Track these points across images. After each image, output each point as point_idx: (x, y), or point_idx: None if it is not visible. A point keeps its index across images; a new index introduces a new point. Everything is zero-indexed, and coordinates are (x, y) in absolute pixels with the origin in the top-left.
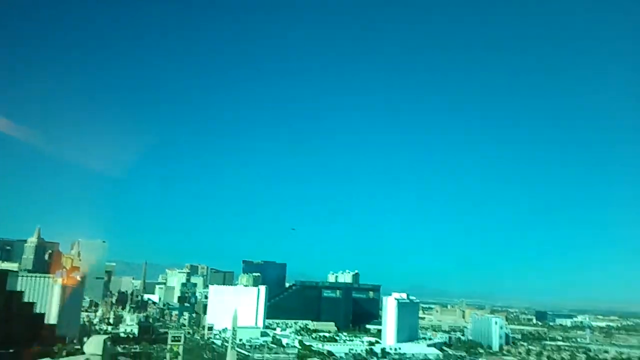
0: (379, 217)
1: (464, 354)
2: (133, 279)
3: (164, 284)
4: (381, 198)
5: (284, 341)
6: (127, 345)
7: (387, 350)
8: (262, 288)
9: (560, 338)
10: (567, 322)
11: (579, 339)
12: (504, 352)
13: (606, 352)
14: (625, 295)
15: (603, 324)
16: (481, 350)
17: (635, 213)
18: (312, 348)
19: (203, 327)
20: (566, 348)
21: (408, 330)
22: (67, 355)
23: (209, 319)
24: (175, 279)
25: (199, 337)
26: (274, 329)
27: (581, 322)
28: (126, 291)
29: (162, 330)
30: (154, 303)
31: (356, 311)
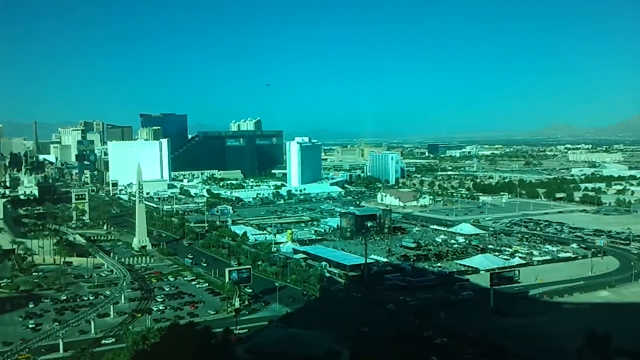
0: (279, 62)
1: (363, 189)
2: (24, 139)
3: (59, 143)
4: (281, 41)
5: (192, 191)
6: (29, 207)
7: (293, 191)
8: (164, 141)
9: (450, 168)
10: (457, 153)
11: (467, 168)
12: (400, 184)
13: (491, 177)
14: (509, 125)
15: (488, 153)
16: (379, 185)
17: (523, 46)
18: (221, 196)
19: (107, 184)
20: (455, 177)
21: (311, 172)
22: None
23: (112, 175)
24: (70, 137)
25: (104, 194)
26: (181, 181)
27: (469, 153)
28: (19, 153)
29: (64, 190)
30: (51, 163)
31: (261, 157)
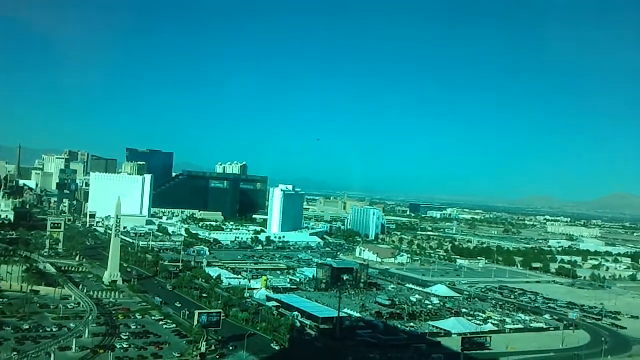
0: (269, 111)
1: (343, 241)
2: (7, 163)
3: (41, 169)
4: (270, 92)
5: (170, 229)
6: (2, 232)
7: (272, 238)
8: (148, 177)
9: (430, 228)
10: (437, 214)
11: (446, 230)
12: (379, 240)
13: (469, 241)
14: (490, 192)
15: (469, 217)
16: (359, 239)
17: (499, 113)
18: (199, 236)
19: (85, 215)
20: (434, 237)
21: (292, 220)
22: None
23: (90, 206)
24: (53, 164)
25: (80, 225)
26: (160, 218)
27: (449, 215)
28: None
29: (40, 217)
30: (30, 189)
31: (243, 201)
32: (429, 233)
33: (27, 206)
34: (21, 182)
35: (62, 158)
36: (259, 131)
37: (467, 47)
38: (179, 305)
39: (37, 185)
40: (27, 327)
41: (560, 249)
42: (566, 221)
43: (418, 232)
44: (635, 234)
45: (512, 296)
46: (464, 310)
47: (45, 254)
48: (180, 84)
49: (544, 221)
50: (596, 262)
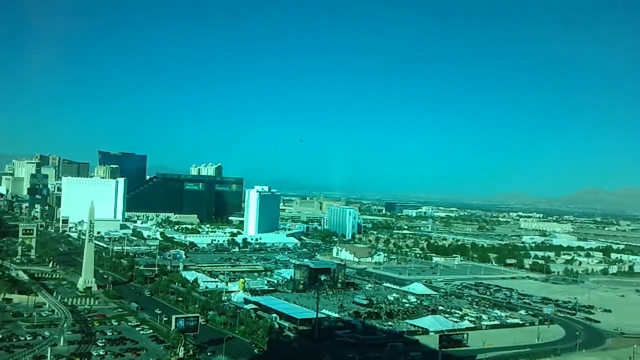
0: (244, 111)
1: (320, 242)
2: None
3: (11, 174)
4: (244, 90)
5: (145, 233)
6: None
7: (249, 240)
8: (121, 180)
9: (406, 227)
10: (413, 213)
11: (422, 228)
12: (356, 239)
13: (444, 239)
14: (464, 190)
15: (443, 214)
16: (335, 239)
17: (471, 113)
18: (175, 240)
19: (57, 220)
20: (410, 236)
21: (269, 221)
22: None
23: (63, 211)
24: (24, 169)
25: (53, 230)
26: (135, 222)
27: (425, 213)
28: None
29: (11, 223)
30: (1, 195)
31: (219, 203)
32: (405, 232)
33: None
34: None
35: (33, 163)
36: (234, 132)
37: (444, 45)
38: (157, 311)
39: (7, 191)
40: (0, 336)
41: (533, 244)
42: (539, 217)
43: (394, 231)
44: (606, 229)
45: (488, 293)
46: (440, 308)
47: (17, 261)
48: (154, 86)
49: (517, 218)
50: (569, 257)
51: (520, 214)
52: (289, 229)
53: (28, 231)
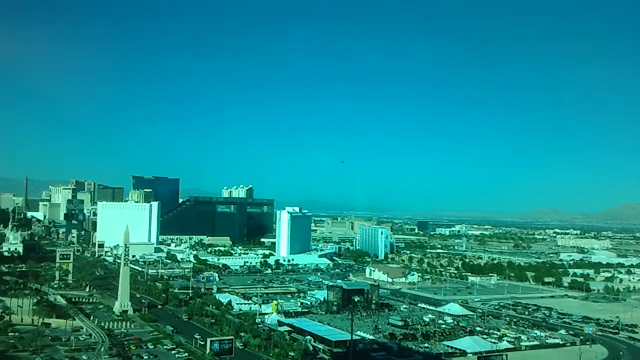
0: (273, 133)
1: (352, 262)
2: (14, 195)
3: (48, 200)
4: (274, 112)
5: (179, 256)
6: (12, 265)
7: (281, 261)
8: (155, 204)
9: (439, 246)
10: (446, 232)
11: (456, 247)
12: (389, 259)
13: (480, 258)
14: (497, 207)
15: (477, 233)
16: (368, 259)
17: (504, 127)
18: (208, 262)
19: (93, 245)
20: (444, 255)
21: (301, 242)
22: None
23: (99, 236)
24: (60, 195)
25: (89, 255)
26: (169, 245)
27: (458, 231)
28: (7, 208)
29: (49, 249)
30: (39, 221)
31: (251, 225)
32: (438, 251)
33: (36, 238)
34: (29, 214)
35: (69, 189)
36: (264, 154)
37: (469, 66)
38: (192, 334)
39: (45, 216)
40: None
41: (571, 262)
42: (576, 234)
43: (428, 250)
44: None
45: (526, 312)
46: (478, 328)
47: (55, 285)
48: (185, 110)
49: (554, 235)
50: (609, 275)
51: (557, 230)
52: (321, 250)
53: (65, 256)
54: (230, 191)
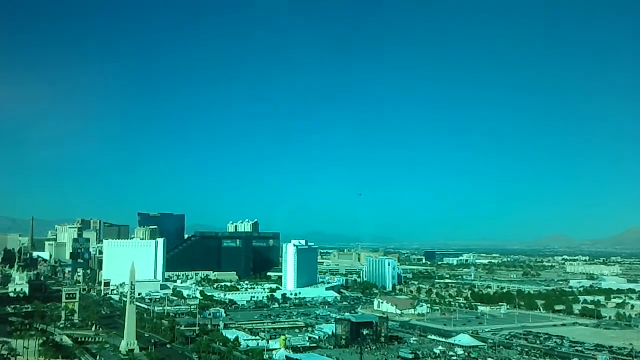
0: (276, 166)
1: (360, 294)
2: (20, 235)
3: (54, 240)
4: (278, 145)
5: (185, 292)
6: (17, 305)
7: (288, 295)
8: (160, 241)
9: (447, 276)
10: (454, 261)
11: (464, 276)
12: (397, 291)
13: (489, 287)
14: (505, 234)
15: (486, 261)
16: (376, 291)
17: (508, 155)
18: (214, 298)
19: (99, 283)
20: (453, 285)
21: (307, 275)
22: None
23: (105, 274)
24: (66, 234)
25: (95, 293)
26: (174, 281)
27: (466, 260)
28: (13, 249)
29: (55, 288)
30: (45, 260)
31: (257, 259)
32: (447, 281)
33: (42, 278)
34: (35, 254)
35: (75, 227)
36: (269, 187)
37: (473, 89)
38: None
39: (51, 256)
40: None
41: (581, 289)
42: (585, 260)
43: (436, 281)
44: None
45: (538, 341)
46: (489, 359)
47: (61, 325)
48: (189, 146)
49: (563, 261)
50: (620, 301)
51: (565, 257)
52: (328, 282)
53: (71, 295)
54: (236, 225)
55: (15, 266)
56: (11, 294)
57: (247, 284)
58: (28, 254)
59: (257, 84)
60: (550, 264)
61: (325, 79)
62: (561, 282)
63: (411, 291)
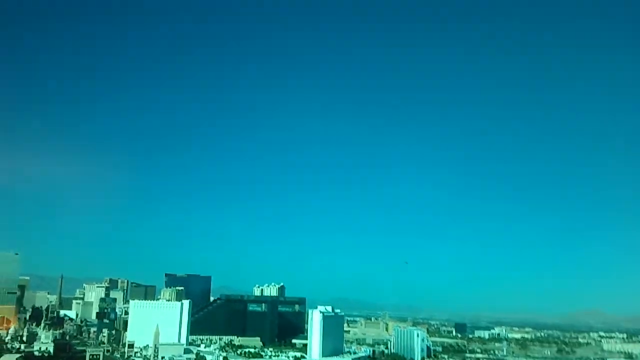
0: (304, 230)
1: None
2: (48, 293)
3: (82, 299)
4: (304, 210)
5: (208, 358)
6: None
7: None
8: (186, 303)
9: (479, 350)
10: (485, 334)
11: (496, 351)
12: None
13: None
14: (537, 307)
15: (518, 336)
16: None
17: (539, 225)
18: None
19: (123, 345)
20: None
21: (333, 344)
22: None
23: (129, 335)
24: (94, 293)
25: (119, 355)
26: (198, 345)
27: (498, 334)
28: (41, 307)
29: (79, 348)
30: (71, 319)
31: (282, 325)
32: (478, 355)
33: (67, 337)
34: (62, 312)
35: (103, 287)
36: (296, 250)
37: (489, 153)
38: None
39: (77, 315)
40: None
41: None
42: (622, 337)
43: (467, 355)
44: None
45: None
46: None
47: None
48: (218, 208)
49: (599, 338)
50: None
51: (602, 334)
52: (355, 353)
53: (95, 357)
54: (262, 289)
55: (42, 324)
56: (36, 353)
57: (271, 352)
58: (55, 312)
59: (286, 131)
60: (585, 341)
61: (341, 142)
62: None
63: None
